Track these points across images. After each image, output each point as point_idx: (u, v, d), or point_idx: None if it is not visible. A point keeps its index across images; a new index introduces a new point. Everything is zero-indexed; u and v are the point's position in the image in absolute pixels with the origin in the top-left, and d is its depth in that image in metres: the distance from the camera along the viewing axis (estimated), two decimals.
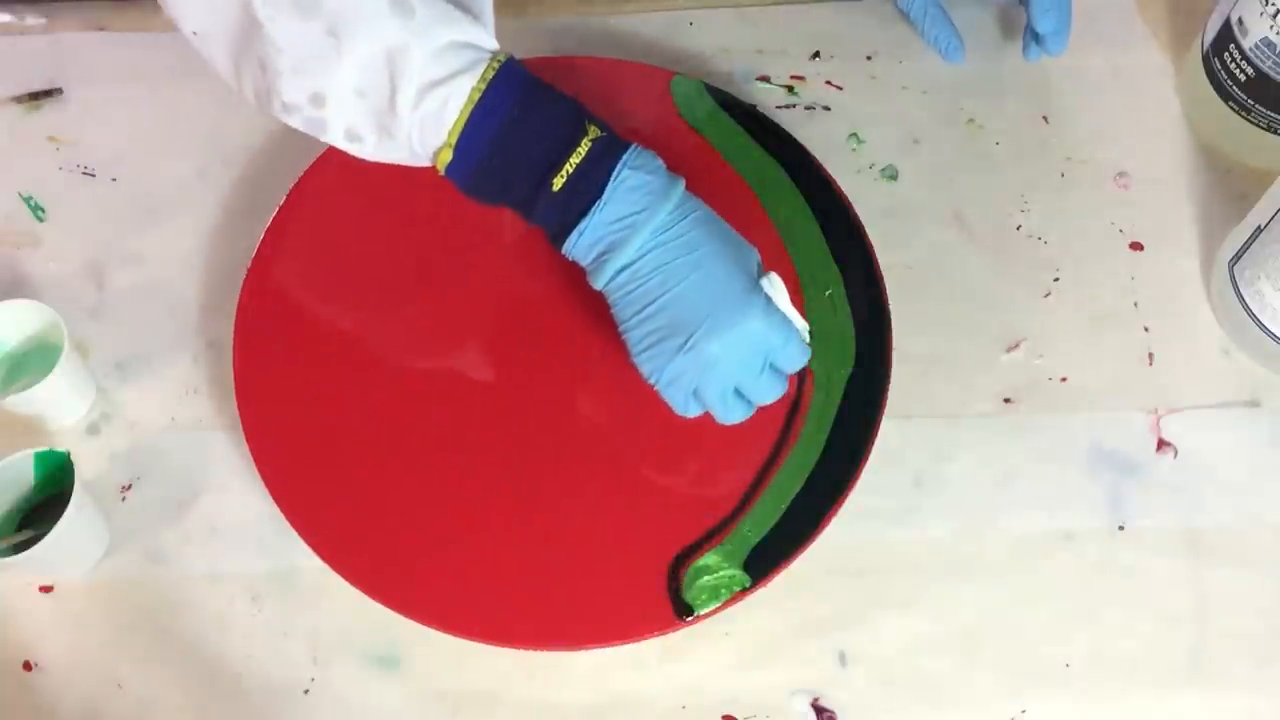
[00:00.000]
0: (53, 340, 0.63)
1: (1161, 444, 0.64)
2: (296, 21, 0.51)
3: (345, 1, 0.51)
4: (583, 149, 0.54)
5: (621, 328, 0.57)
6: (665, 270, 0.55)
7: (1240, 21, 0.66)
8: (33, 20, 0.77)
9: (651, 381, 0.57)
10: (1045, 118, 0.74)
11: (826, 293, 0.64)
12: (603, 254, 0.55)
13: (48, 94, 0.75)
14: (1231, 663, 0.59)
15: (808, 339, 0.58)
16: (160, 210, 0.71)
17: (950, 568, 0.61)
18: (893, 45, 0.76)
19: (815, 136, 0.71)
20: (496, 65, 0.53)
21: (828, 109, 0.74)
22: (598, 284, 0.56)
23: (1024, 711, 0.58)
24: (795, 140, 0.69)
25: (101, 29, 0.77)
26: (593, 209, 0.54)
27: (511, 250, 0.67)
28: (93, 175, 0.72)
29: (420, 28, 0.51)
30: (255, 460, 0.61)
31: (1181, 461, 0.63)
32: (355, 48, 0.51)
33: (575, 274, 0.66)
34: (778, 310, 0.56)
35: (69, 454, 0.59)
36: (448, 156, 0.54)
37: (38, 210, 0.71)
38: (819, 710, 0.58)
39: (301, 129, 0.54)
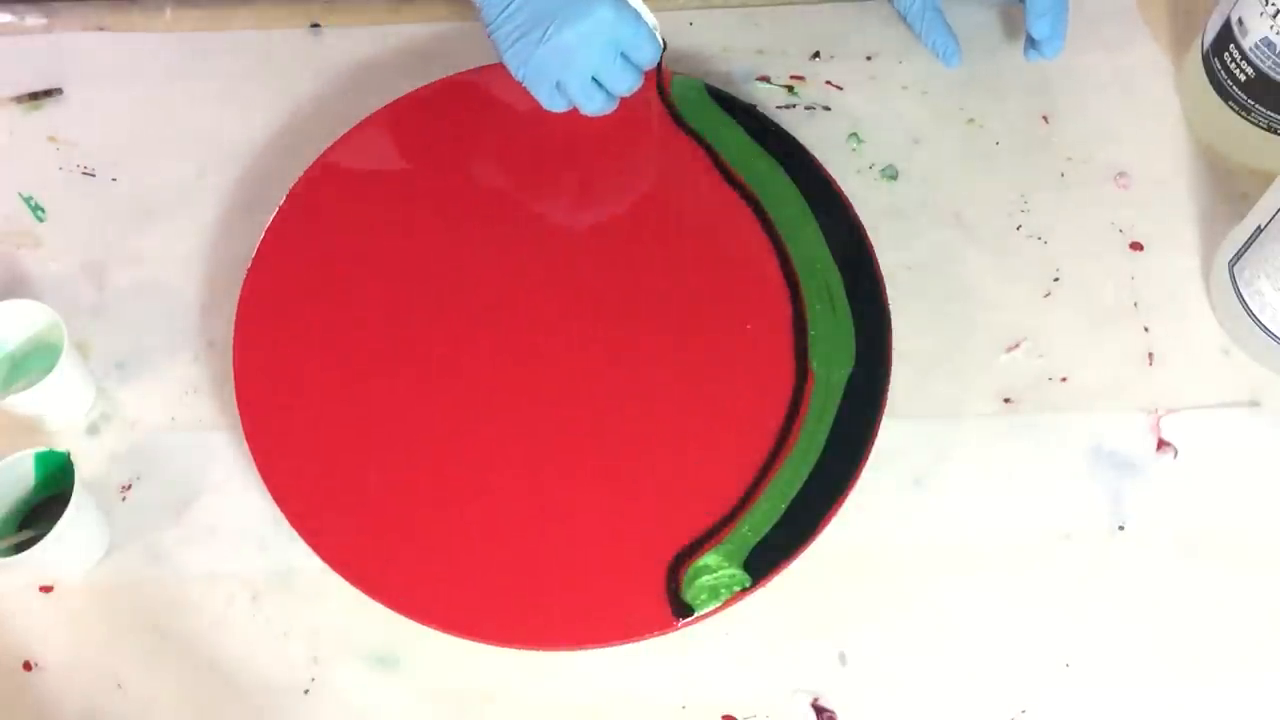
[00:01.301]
0: (53, 340, 0.63)
1: (1161, 444, 0.64)
2: None
3: None
4: None
5: (489, 27, 0.64)
6: None
7: (1240, 21, 0.66)
8: (33, 20, 0.77)
9: (519, 76, 0.65)
10: (1045, 118, 0.74)
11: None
12: None
13: (48, 94, 0.75)
14: (1231, 663, 0.59)
15: (659, 36, 0.65)
16: (160, 210, 0.71)
17: (950, 568, 0.61)
18: (893, 45, 0.76)
19: (815, 136, 0.71)
20: None
21: (828, 109, 0.74)
22: None
23: (1024, 711, 0.58)
24: (795, 140, 0.69)
25: (101, 29, 0.77)
26: None
27: (513, 252, 0.67)
28: (93, 175, 0.72)
29: None
30: (255, 460, 0.61)
31: (1181, 461, 0.63)
32: None
33: (577, 277, 0.66)
34: (627, 4, 0.63)
35: (69, 454, 0.59)
36: None
37: (38, 210, 0.71)
38: (819, 710, 0.58)
39: None
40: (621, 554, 0.59)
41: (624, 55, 0.65)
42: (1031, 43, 0.72)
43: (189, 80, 0.75)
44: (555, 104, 0.67)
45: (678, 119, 0.70)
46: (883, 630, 0.59)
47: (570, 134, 0.70)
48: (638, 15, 0.64)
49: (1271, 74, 0.65)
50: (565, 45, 0.63)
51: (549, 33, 0.63)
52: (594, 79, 0.65)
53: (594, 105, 0.66)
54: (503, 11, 0.64)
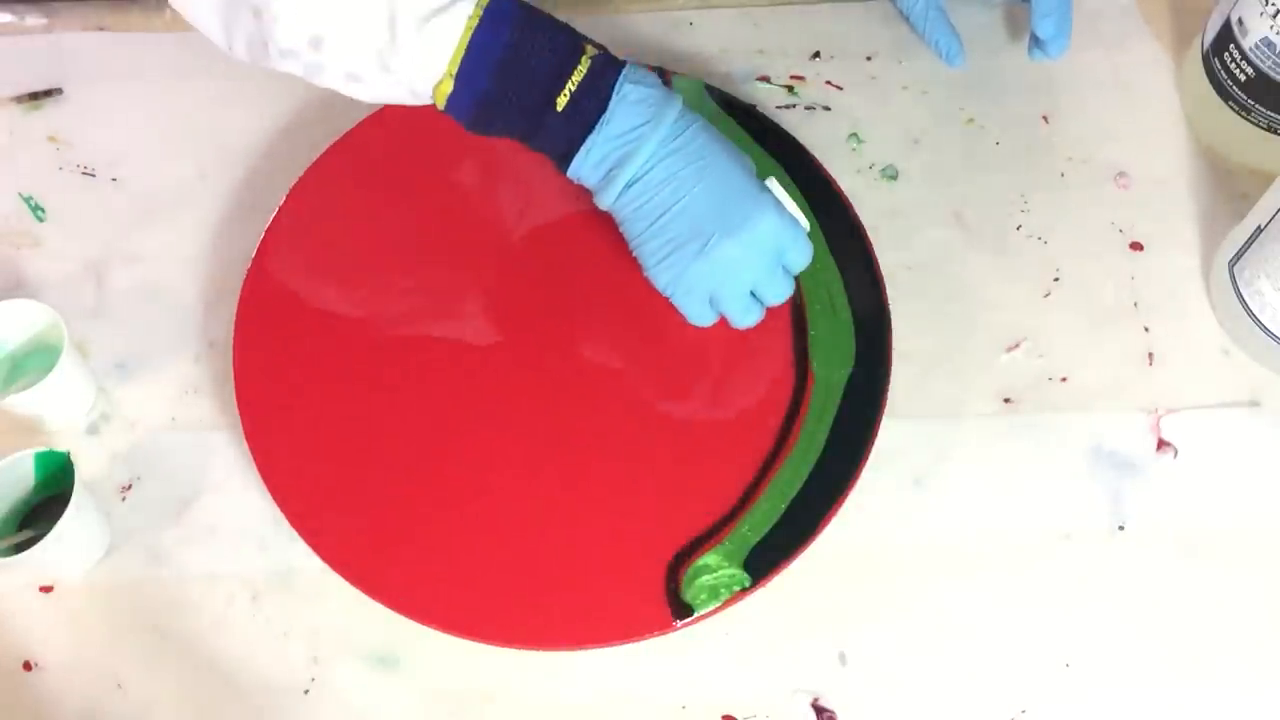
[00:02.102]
0: (53, 340, 0.63)
1: (1161, 444, 0.64)
2: None
3: None
4: (583, 67, 0.54)
5: (634, 243, 0.58)
6: (675, 180, 0.56)
7: (1240, 21, 0.66)
8: (33, 20, 0.77)
9: (668, 292, 0.59)
10: (1045, 118, 0.74)
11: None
12: (611, 169, 0.56)
13: (48, 94, 0.75)
14: (1231, 663, 0.59)
15: (808, 239, 0.60)
16: (160, 210, 0.71)
17: (950, 568, 0.61)
18: (893, 45, 0.76)
19: (815, 136, 0.71)
20: None
21: (828, 109, 0.74)
22: (605, 202, 0.57)
23: (1024, 711, 0.58)
24: (795, 140, 0.69)
25: (101, 29, 0.77)
26: (598, 124, 0.55)
27: (515, 254, 0.67)
28: (93, 175, 0.72)
29: None
30: (255, 460, 0.61)
31: (1181, 461, 0.63)
32: None
33: (578, 275, 0.66)
34: (786, 210, 0.58)
35: (69, 454, 0.59)
36: (448, 87, 0.54)
37: (38, 210, 0.71)
38: (819, 710, 0.58)
39: (299, 74, 0.54)
40: (621, 554, 0.59)
41: (782, 265, 0.59)
42: (1036, 42, 0.72)
43: (189, 80, 0.75)
44: (704, 318, 0.61)
45: None
46: (883, 630, 0.59)
47: None
48: (795, 222, 0.59)
49: (1271, 74, 0.65)
50: (727, 258, 0.57)
51: (709, 245, 0.57)
52: (751, 292, 0.60)
53: (749, 319, 0.61)
54: (652, 224, 0.57)
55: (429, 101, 0.56)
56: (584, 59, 0.55)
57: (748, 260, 0.58)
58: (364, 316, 0.65)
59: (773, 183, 0.59)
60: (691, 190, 0.56)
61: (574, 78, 0.54)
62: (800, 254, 0.60)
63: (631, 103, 0.55)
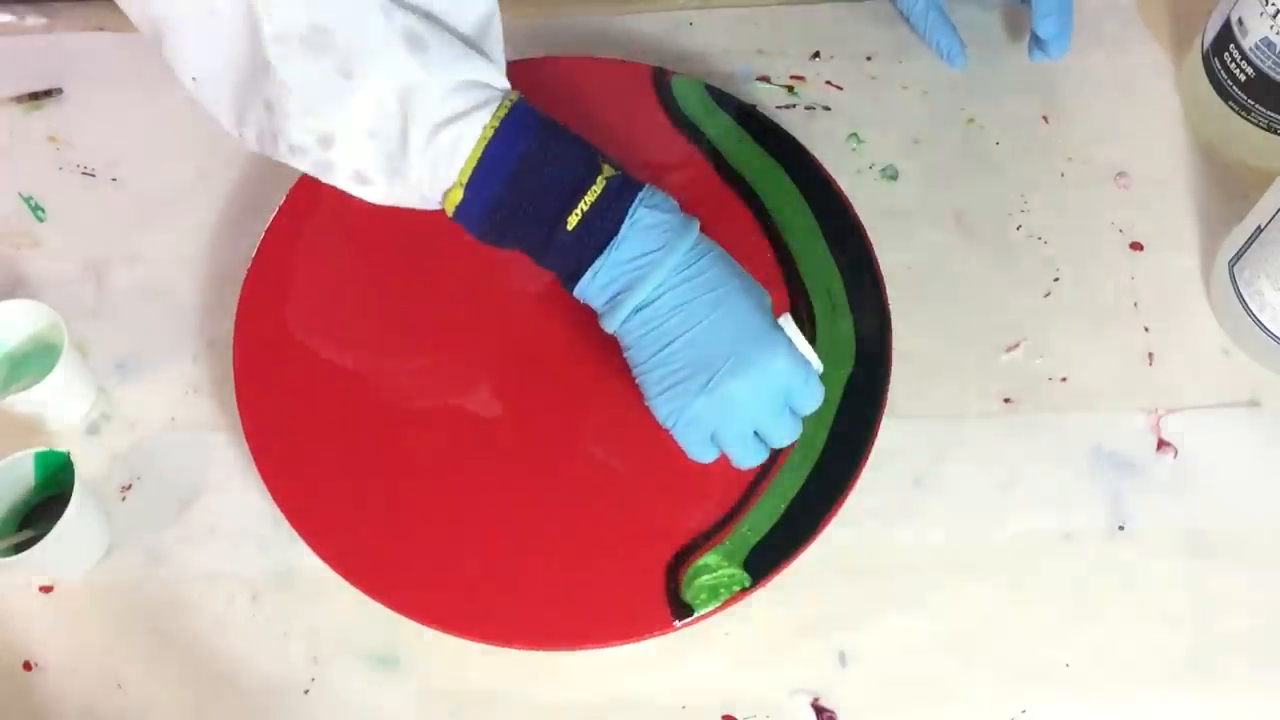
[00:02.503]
0: (53, 340, 0.63)
1: (1161, 444, 0.64)
2: (308, 60, 0.49)
3: (358, 39, 0.49)
4: (598, 187, 0.53)
5: (637, 370, 0.56)
6: (685, 309, 0.54)
7: (1240, 21, 0.66)
8: (33, 20, 0.77)
9: (669, 424, 0.56)
10: (1045, 118, 0.74)
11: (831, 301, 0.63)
12: (618, 294, 0.54)
13: (48, 94, 0.75)
14: (1231, 663, 0.59)
15: (820, 382, 0.56)
16: (160, 210, 0.71)
17: (950, 568, 0.61)
18: (893, 45, 0.76)
19: (815, 136, 0.71)
20: (509, 104, 0.52)
21: (828, 109, 0.74)
22: (611, 326, 0.55)
23: (1024, 711, 0.58)
24: (795, 140, 0.69)
25: (101, 29, 0.77)
26: (608, 247, 0.53)
27: (514, 255, 0.67)
28: (93, 175, 0.72)
29: (434, 64, 0.50)
30: (255, 460, 0.61)
31: (1181, 461, 0.63)
32: (368, 86, 0.50)
33: None
34: (798, 350, 0.55)
35: (69, 454, 0.59)
36: (458, 196, 0.53)
37: (38, 210, 0.71)
38: (819, 710, 0.58)
39: (308, 172, 0.53)
40: (621, 554, 0.59)
41: (789, 407, 0.56)
42: (1037, 42, 0.72)
43: None
44: (705, 455, 0.56)
45: (678, 119, 0.70)
46: (883, 630, 0.59)
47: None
48: (807, 363, 0.55)
49: (1271, 74, 0.65)
50: (732, 397, 0.54)
51: (715, 381, 0.53)
52: (754, 431, 0.56)
53: (751, 461, 0.57)
54: (657, 353, 0.54)
55: (439, 207, 0.54)
56: (599, 179, 0.53)
57: (754, 401, 0.54)
58: (364, 316, 0.65)
59: (786, 320, 0.56)
60: (701, 322, 0.54)
61: (587, 197, 0.53)
62: (809, 397, 0.56)
63: (645, 227, 0.53)
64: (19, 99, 0.75)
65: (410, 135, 0.51)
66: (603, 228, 0.53)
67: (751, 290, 0.56)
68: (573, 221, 0.53)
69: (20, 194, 0.72)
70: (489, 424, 0.63)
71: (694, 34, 0.77)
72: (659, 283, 0.54)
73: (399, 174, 0.52)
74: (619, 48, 0.76)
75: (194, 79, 0.52)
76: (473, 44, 0.53)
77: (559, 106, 0.71)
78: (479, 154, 0.52)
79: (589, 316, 0.64)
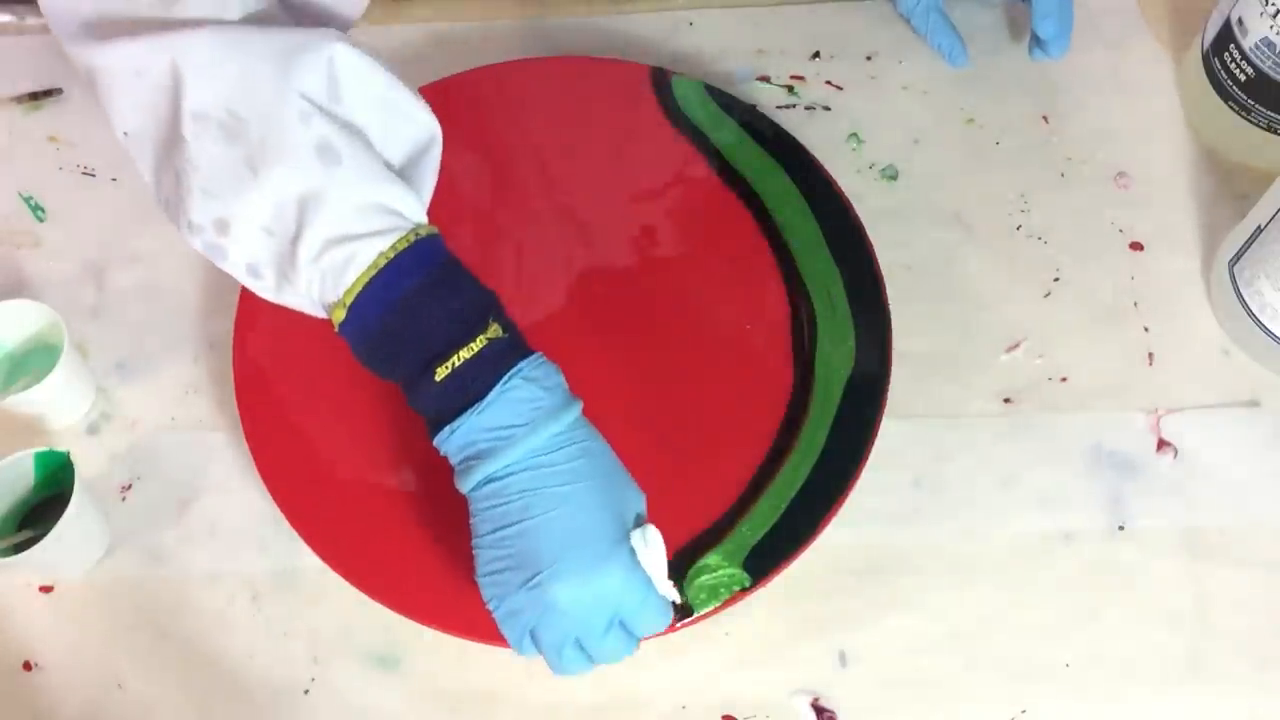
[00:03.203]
0: (53, 340, 0.63)
1: (1161, 444, 0.64)
2: (219, 145, 0.49)
3: (271, 137, 0.49)
4: (476, 345, 0.50)
5: (474, 543, 0.52)
6: (531, 496, 0.50)
7: (1240, 21, 0.66)
8: (33, 20, 0.77)
9: (490, 608, 0.52)
10: (1045, 118, 0.74)
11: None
12: (471, 459, 0.51)
13: (48, 94, 0.75)
14: (1231, 663, 0.59)
15: (673, 603, 0.52)
16: (160, 210, 0.71)
17: (950, 568, 0.61)
18: (893, 45, 0.76)
19: (815, 136, 0.71)
20: (412, 238, 0.50)
21: (828, 109, 0.74)
22: (463, 488, 0.52)
23: (1024, 711, 0.58)
24: (795, 140, 0.69)
25: None
26: (470, 410, 0.50)
27: (510, 252, 0.67)
28: (93, 175, 0.72)
29: (342, 179, 0.49)
30: (255, 460, 0.61)
31: (1181, 461, 0.63)
32: (271, 184, 0.49)
33: (576, 277, 0.66)
34: (640, 569, 0.51)
35: (69, 454, 0.59)
36: (341, 315, 0.51)
37: (38, 210, 0.71)
38: (819, 710, 0.58)
39: (201, 252, 0.52)
40: None
41: (622, 623, 0.51)
42: (1037, 42, 0.72)
43: None
44: (525, 649, 0.52)
45: (678, 119, 0.70)
46: (883, 630, 0.59)
47: (570, 134, 0.70)
48: (648, 585, 0.51)
49: (1271, 74, 0.65)
50: (551, 602, 0.49)
51: (537, 580, 0.49)
52: (577, 641, 0.51)
53: (566, 670, 0.52)
54: (493, 532, 0.51)
55: (326, 317, 0.53)
56: (481, 338, 0.50)
57: (574, 611, 0.50)
58: None
59: (649, 533, 0.51)
60: (544, 514, 0.50)
61: (463, 353, 0.50)
62: (647, 620, 0.51)
63: (514, 399, 0.50)
64: (19, 99, 0.75)
65: (302, 243, 0.50)
66: (471, 388, 0.50)
67: (613, 493, 0.52)
68: (441, 374, 0.50)
69: (20, 194, 0.72)
70: None
71: (694, 34, 0.77)
72: (513, 460, 0.50)
73: (286, 277, 0.51)
74: (619, 48, 0.76)
75: (124, 133, 0.52)
76: (400, 170, 0.53)
77: (559, 106, 0.72)
78: (366, 280, 0.50)
79: (589, 324, 0.65)
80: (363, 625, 0.59)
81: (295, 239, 0.50)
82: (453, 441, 0.51)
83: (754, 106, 0.71)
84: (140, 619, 0.60)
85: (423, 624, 0.57)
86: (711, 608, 0.57)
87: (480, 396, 0.50)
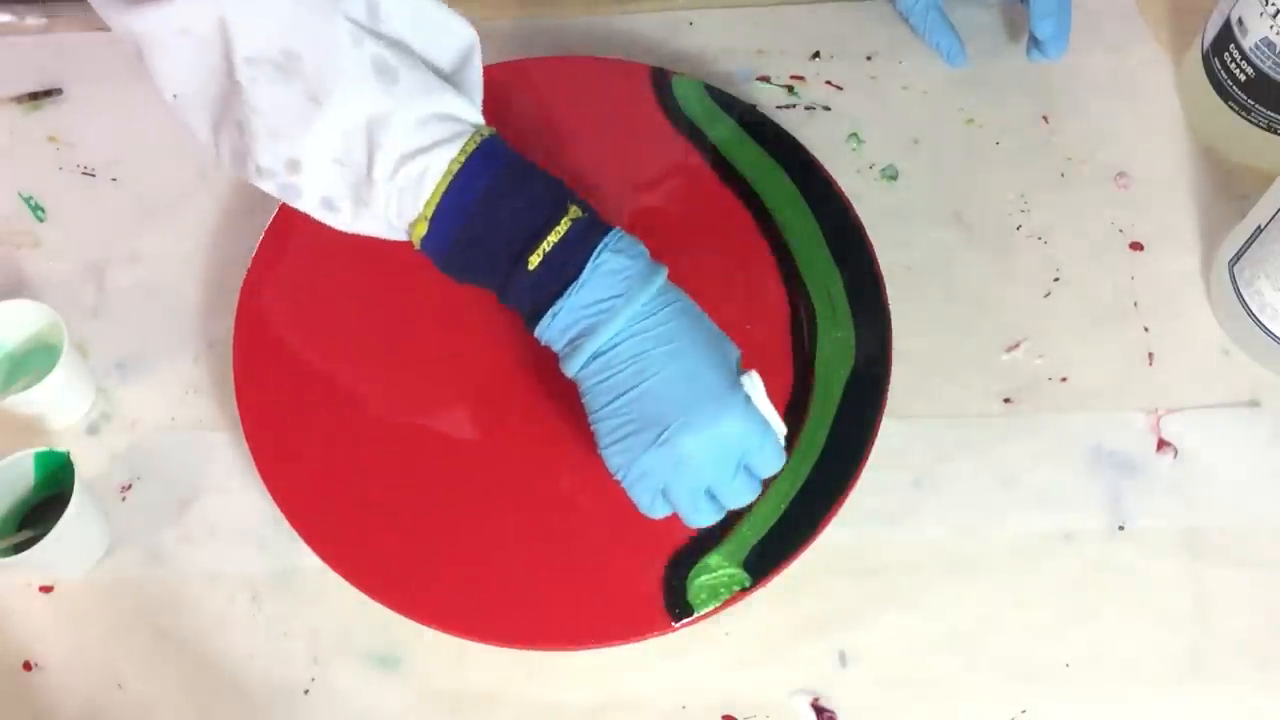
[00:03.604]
0: (53, 340, 0.63)
1: (1161, 444, 0.64)
2: (277, 85, 0.49)
3: (328, 66, 0.49)
4: (561, 228, 0.52)
5: (591, 417, 0.54)
6: (641, 360, 0.52)
7: (1240, 21, 0.66)
8: (33, 20, 0.77)
9: (618, 477, 0.54)
10: (1045, 118, 0.74)
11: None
12: (576, 339, 0.53)
13: (48, 94, 0.75)
14: (1231, 663, 0.59)
15: (782, 444, 0.55)
16: (160, 210, 0.71)
17: (950, 568, 0.61)
18: (893, 45, 0.76)
19: (815, 136, 0.71)
20: (478, 139, 0.52)
21: (828, 109, 0.74)
22: (570, 370, 0.54)
23: (1024, 711, 0.58)
24: (795, 140, 0.69)
25: (101, 29, 0.77)
26: (568, 290, 0.52)
27: None
28: (93, 175, 0.72)
29: (403, 96, 0.50)
30: (255, 460, 0.61)
31: (1181, 461, 0.63)
32: (335, 113, 0.50)
33: None
34: (756, 411, 0.53)
35: (69, 454, 0.59)
36: (423, 230, 0.52)
37: (38, 210, 0.71)
38: (819, 710, 0.58)
39: (275, 195, 0.53)
40: (621, 554, 0.59)
41: (746, 467, 0.54)
42: (1035, 43, 0.72)
43: None
44: (656, 510, 0.54)
45: (678, 119, 0.70)
46: (883, 630, 0.59)
47: (571, 133, 0.70)
48: (766, 424, 0.53)
49: (1271, 74, 0.65)
50: (683, 453, 0.52)
51: (666, 435, 0.52)
52: (707, 490, 0.54)
53: (702, 520, 0.54)
54: (611, 403, 0.53)
55: (406, 238, 0.54)
56: (565, 220, 0.52)
57: (705, 459, 0.52)
58: (364, 316, 0.65)
59: (751, 378, 0.54)
60: (657, 374, 0.52)
61: (550, 238, 0.52)
62: (768, 460, 0.54)
63: (607, 272, 0.52)
64: (19, 99, 0.75)
65: (375, 165, 0.51)
66: (564, 270, 0.52)
67: (714, 345, 0.54)
68: (534, 261, 0.52)
69: (20, 194, 0.72)
70: (491, 423, 0.63)
71: (694, 34, 0.77)
72: (617, 331, 0.52)
73: (365, 203, 0.52)
74: (619, 48, 0.76)
75: (174, 95, 0.53)
76: (448, 77, 0.53)
77: (559, 106, 0.72)
78: (444, 188, 0.51)
79: None
80: (363, 625, 0.59)
81: (368, 163, 0.51)
82: (554, 326, 0.53)
83: (754, 106, 0.71)
84: (140, 619, 0.60)
85: (423, 624, 0.57)
86: (711, 608, 0.57)
87: (574, 276, 0.52)
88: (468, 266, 0.53)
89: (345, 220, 0.53)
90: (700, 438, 0.52)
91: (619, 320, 0.52)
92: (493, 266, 0.53)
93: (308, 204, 0.53)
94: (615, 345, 0.53)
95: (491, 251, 0.52)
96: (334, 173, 0.51)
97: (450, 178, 0.51)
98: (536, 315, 0.53)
